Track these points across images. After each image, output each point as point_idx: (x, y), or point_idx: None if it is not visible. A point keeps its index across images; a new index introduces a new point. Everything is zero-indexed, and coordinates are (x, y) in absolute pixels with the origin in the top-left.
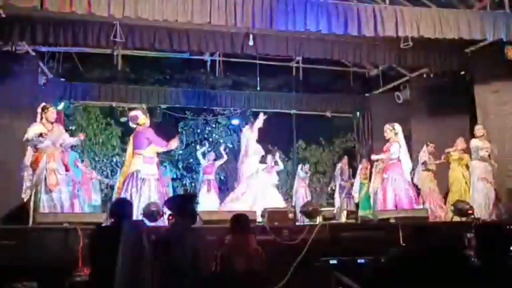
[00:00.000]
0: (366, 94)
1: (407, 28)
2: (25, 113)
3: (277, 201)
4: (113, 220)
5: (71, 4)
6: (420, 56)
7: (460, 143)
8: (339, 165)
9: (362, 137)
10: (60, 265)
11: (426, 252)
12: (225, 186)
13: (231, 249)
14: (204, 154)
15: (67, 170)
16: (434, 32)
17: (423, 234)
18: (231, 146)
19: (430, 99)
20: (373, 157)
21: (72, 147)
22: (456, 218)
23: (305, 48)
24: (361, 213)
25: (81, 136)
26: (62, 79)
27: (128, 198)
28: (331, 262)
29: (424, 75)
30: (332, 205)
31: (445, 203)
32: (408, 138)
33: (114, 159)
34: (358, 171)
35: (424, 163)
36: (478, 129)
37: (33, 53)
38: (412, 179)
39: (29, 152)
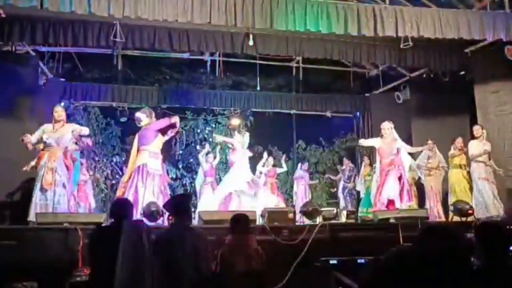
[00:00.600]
0: (366, 94)
1: (407, 28)
2: (25, 113)
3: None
4: (113, 220)
5: (71, 4)
6: (420, 56)
7: (458, 143)
8: (341, 168)
9: (362, 137)
10: (60, 265)
11: (425, 252)
12: None
13: (231, 249)
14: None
15: (68, 171)
16: (434, 32)
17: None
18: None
19: (430, 99)
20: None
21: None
22: (456, 218)
23: (305, 48)
24: (363, 209)
25: (90, 142)
26: (62, 79)
27: (133, 191)
28: (331, 262)
29: (424, 75)
30: (333, 205)
31: (444, 204)
32: (408, 138)
33: (114, 159)
34: (362, 169)
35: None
36: (477, 129)
37: (33, 53)
38: (419, 178)
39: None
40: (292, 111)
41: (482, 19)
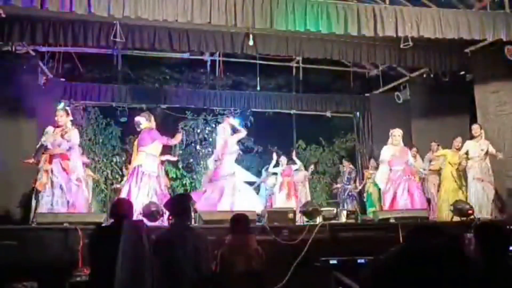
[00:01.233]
0: (366, 94)
1: (407, 28)
2: (25, 113)
3: (253, 203)
4: (113, 220)
5: (71, 4)
6: (420, 56)
7: (456, 143)
8: (342, 169)
9: (362, 137)
10: (60, 265)
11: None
12: None
13: (231, 249)
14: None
15: (66, 173)
16: (434, 32)
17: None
18: None
19: (430, 99)
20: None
21: None
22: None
23: (305, 48)
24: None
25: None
26: (62, 79)
27: (126, 192)
28: (331, 262)
29: (424, 75)
30: (333, 205)
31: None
32: (408, 138)
33: (114, 159)
34: (366, 170)
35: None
36: (475, 129)
37: (33, 53)
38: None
39: None
40: (292, 111)
41: (482, 19)
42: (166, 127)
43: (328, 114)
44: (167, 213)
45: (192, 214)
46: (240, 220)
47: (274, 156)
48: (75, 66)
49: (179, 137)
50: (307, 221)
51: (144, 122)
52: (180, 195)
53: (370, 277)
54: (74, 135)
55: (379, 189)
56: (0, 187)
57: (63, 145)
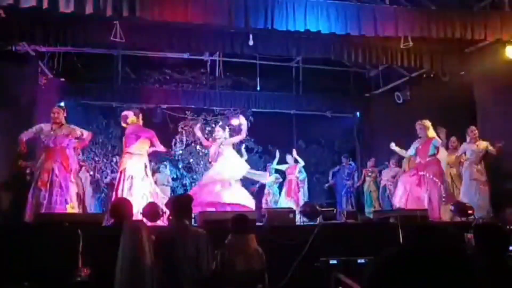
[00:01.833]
0: (366, 94)
1: (407, 28)
2: (25, 113)
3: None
4: (113, 220)
5: (71, 4)
6: (420, 56)
7: (452, 143)
8: (342, 165)
9: (362, 137)
10: (60, 265)
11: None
12: None
13: (231, 249)
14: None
15: (66, 172)
16: (434, 32)
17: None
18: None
19: (430, 99)
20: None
21: None
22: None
23: (305, 48)
24: (367, 209)
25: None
26: (62, 79)
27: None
28: (331, 262)
29: (424, 75)
30: (333, 205)
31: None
32: (408, 138)
33: (114, 159)
34: (365, 169)
35: None
36: (472, 131)
37: (33, 53)
38: None
39: None
40: (292, 111)
41: (482, 19)
42: (166, 127)
43: (328, 114)
44: (167, 213)
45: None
46: (240, 220)
47: (277, 153)
48: (75, 66)
49: (163, 148)
50: (307, 221)
51: (132, 116)
52: (181, 195)
53: (370, 277)
54: (79, 130)
55: (379, 188)
56: (1, 186)
57: (66, 142)
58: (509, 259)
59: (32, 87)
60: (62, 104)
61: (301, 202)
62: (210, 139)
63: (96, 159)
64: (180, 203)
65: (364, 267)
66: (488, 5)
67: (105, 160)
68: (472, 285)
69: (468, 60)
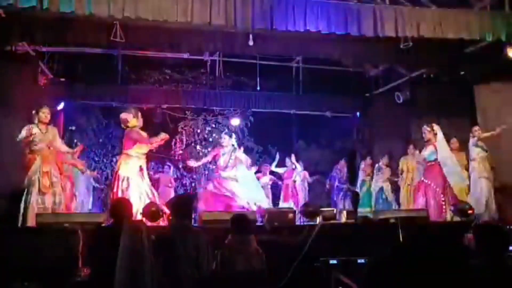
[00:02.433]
0: (366, 94)
1: (407, 28)
2: (25, 113)
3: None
4: (113, 220)
5: (71, 4)
6: (420, 56)
7: (452, 144)
8: (335, 167)
9: (362, 137)
10: (60, 265)
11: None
12: None
13: (231, 249)
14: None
15: (60, 173)
16: (434, 32)
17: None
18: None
19: (430, 99)
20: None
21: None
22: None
23: (305, 48)
24: (361, 209)
25: (80, 147)
26: (62, 79)
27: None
28: (331, 262)
29: (424, 75)
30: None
31: None
32: (408, 138)
33: (114, 159)
34: (361, 168)
35: None
36: (476, 130)
37: (33, 53)
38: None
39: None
40: (292, 111)
41: (482, 19)
42: (166, 127)
43: (328, 114)
44: (167, 212)
45: (193, 214)
46: (240, 220)
47: (277, 155)
48: (75, 66)
49: (163, 136)
50: (307, 221)
51: (132, 119)
52: (182, 195)
53: (370, 277)
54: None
55: (378, 188)
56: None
57: (62, 149)
58: (509, 259)
59: (32, 87)
60: (62, 104)
61: (301, 203)
62: (216, 148)
63: (96, 159)
64: (180, 203)
65: (365, 267)
66: (488, 5)
67: (105, 160)
68: (471, 285)
69: (468, 60)
